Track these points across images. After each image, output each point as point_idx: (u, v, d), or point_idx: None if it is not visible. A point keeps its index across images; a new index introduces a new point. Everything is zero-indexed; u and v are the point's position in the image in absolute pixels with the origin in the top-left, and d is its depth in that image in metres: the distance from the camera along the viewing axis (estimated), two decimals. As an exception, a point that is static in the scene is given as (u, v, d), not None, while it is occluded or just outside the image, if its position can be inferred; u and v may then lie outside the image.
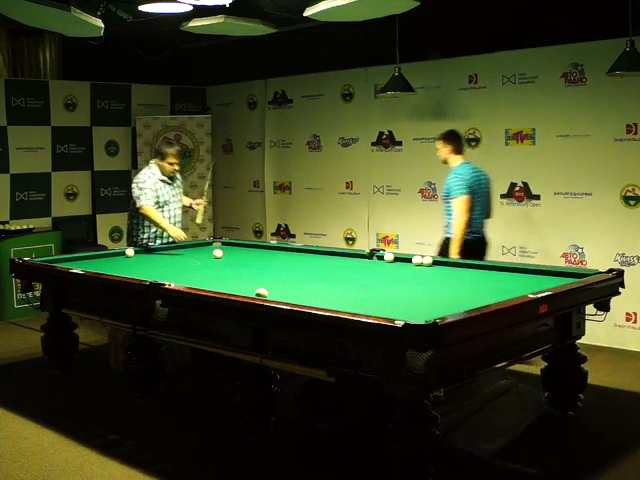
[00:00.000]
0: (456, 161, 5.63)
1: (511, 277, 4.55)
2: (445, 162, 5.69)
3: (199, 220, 6.31)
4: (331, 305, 3.49)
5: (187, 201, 6.40)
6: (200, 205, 6.30)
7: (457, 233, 5.42)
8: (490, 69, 6.68)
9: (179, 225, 6.12)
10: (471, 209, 5.46)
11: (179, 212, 6.16)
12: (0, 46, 8.29)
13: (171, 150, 5.97)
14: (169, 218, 6.01)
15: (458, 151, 5.66)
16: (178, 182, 6.19)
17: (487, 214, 5.72)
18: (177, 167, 6.02)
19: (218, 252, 5.60)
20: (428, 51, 7.36)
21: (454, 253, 5.39)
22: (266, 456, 3.95)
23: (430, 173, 7.16)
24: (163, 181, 5.98)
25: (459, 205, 5.42)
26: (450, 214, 5.53)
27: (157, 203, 5.94)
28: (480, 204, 5.55)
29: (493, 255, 6.53)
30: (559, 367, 4.40)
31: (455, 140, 5.69)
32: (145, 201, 5.85)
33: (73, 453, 4.02)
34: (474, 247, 5.49)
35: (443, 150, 5.68)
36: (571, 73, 6.16)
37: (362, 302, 3.82)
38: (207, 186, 6.75)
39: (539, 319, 3.86)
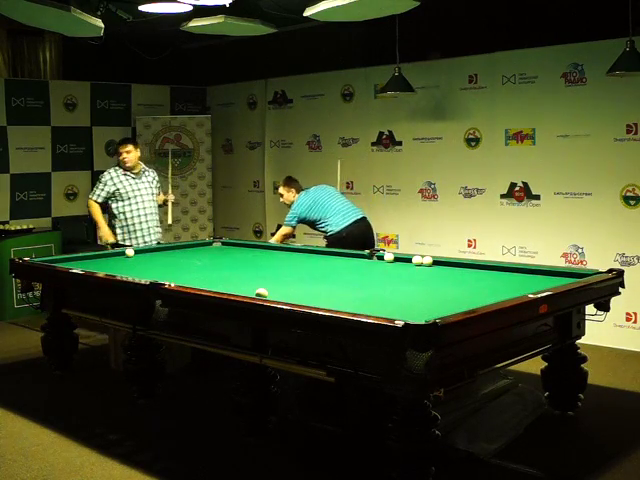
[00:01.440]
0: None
1: (511, 277, 4.55)
2: (291, 203, 6.37)
3: (169, 220, 6.62)
4: (331, 305, 3.49)
5: (160, 199, 6.64)
6: (167, 202, 6.60)
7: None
8: (490, 69, 6.68)
9: (153, 218, 6.45)
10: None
11: (150, 205, 6.44)
12: (0, 46, 8.29)
13: (118, 143, 6.53)
14: (137, 210, 6.34)
15: (300, 189, 6.43)
16: (148, 177, 6.49)
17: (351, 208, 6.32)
18: (126, 156, 6.34)
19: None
20: (428, 51, 7.36)
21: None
22: (266, 456, 3.95)
23: (430, 173, 7.16)
24: (126, 175, 6.35)
25: (280, 231, 6.41)
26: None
27: (120, 197, 6.33)
28: (332, 209, 6.20)
29: (493, 255, 6.55)
30: (559, 367, 4.40)
31: (295, 182, 6.47)
32: (91, 195, 6.41)
33: (73, 453, 4.03)
34: (348, 240, 6.03)
35: (289, 194, 6.40)
36: (571, 73, 6.16)
37: (362, 302, 3.82)
38: (170, 175, 6.92)
39: (539, 319, 3.86)
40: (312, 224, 6.38)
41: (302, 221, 6.35)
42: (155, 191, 6.53)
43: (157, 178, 6.63)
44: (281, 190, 6.51)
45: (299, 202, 6.32)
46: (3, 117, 7.87)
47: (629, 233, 5.91)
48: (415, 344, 3.06)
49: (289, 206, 6.41)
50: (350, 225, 6.14)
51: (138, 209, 6.36)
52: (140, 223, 6.39)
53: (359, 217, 6.24)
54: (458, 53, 6.94)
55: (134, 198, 6.34)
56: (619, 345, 5.98)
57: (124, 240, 6.36)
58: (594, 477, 3.66)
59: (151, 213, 6.44)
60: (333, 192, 6.45)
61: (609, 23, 5.85)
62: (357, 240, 6.02)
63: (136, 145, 6.51)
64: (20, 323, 7.23)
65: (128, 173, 6.36)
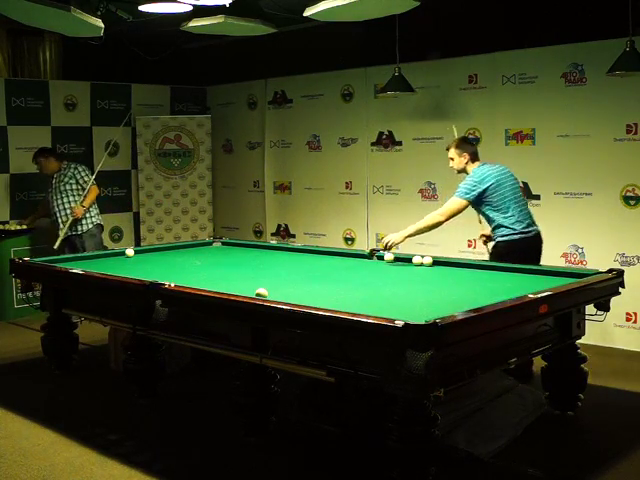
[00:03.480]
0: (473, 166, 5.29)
1: (511, 277, 4.55)
2: (462, 170, 5.28)
3: (56, 244, 7.03)
4: (331, 305, 3.49)
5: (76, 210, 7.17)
6: (69, 219, 7.17)
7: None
8: (490, 69, 6.68)
9: (60, 214, 7.13)
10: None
11: (56, 204, 7.17)
12: (0, 46, 8.29)
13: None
14: (50, 208, 7.24)
15: (476, 156, 5.30)
16: (60, 177, 7.18)
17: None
18: (39, 168, 7.29)
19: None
20: (428, 51, 7.36)
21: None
22: (266, 456, 3.95)
23: (430, 173, 7.15)
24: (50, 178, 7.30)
25: (450, 204, 5.17)
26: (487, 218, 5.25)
27: None
28: (515, 201, 5.21)
29: (493, 255, 6.54)
30: (559, 367, 4.40)
31: (470, 146, 5.33)
32: None
33: (73, 453, 4.03)
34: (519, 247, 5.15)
35: (461, 159, 5.24)
36: (571, 73, 6.16)
37: (362, 302, 3.83)
38: (90, 184, 7.28)
39: (539, 319, 3.86)
40: (486, 207, 5.15)
41: (479, 198, 5.11)
42: (63, 187, 7.15)
43: (74, 173, 7.17)
44: (452, 153, 5.27)
45: (482, 173, 5.13)
46: (3, 117, 7.87)
47: (629, 233, 5.91)
48: (415, 344, 3.06)
49: (459, 172, 5.30)
50: (528, 231, 5.16)
51: (51, 207, 7.22)
52: (54, 220, 7.21)
53: (538, 230, 5.27)
54: (458, 53, 6.94)
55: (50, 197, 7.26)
56: (619, 345, 5.99)
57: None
58: (594, 477, 3.67)
59: (57, 211, 7.16)
60: (516, 183, 5.31)
61: (609, 23, 5.85)
62: (526, 253, 5.08)
63: (38, 158, 7.22)
64: (20, 323, 7.23)
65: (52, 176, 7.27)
